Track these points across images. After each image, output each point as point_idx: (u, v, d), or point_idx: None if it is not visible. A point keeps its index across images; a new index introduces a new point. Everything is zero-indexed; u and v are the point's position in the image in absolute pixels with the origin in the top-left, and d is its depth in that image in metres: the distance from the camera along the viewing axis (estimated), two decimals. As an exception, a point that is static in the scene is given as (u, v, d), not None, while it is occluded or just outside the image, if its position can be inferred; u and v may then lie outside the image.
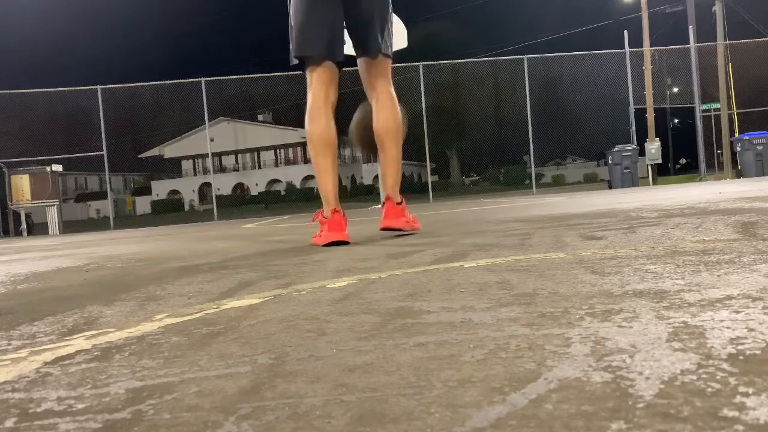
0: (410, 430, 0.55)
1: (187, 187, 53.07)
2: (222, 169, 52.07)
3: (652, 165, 15.56)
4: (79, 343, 1.05)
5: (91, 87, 14.29)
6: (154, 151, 44.98)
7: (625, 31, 15.53)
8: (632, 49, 15.64)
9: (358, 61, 3.04)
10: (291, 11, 2.90)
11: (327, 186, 2.80)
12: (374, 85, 2.99)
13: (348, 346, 0.88)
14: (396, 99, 2.99)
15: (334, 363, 0.80)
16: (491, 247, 2.15)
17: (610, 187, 14.32)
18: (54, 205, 12.52)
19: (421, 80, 14.71)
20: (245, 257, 2.55)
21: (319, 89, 2.84)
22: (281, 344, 0.93)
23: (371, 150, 3.15)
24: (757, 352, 0.70)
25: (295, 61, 2.91)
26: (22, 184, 12.22)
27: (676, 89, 18.80)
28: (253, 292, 1.51)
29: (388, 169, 2.99)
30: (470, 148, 28.12)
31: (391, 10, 3.02)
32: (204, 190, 50.63)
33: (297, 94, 15.96)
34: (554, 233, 2.50)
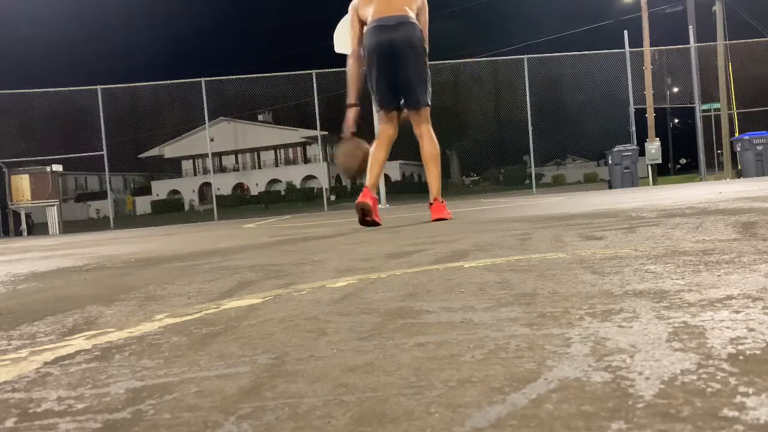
0: (410, 430, 0.55)
1: (187, 187, 53.06)
2: (222, 169, 52.08)
3: (652, 165, 15.56)
4: (79, 343, 1.05)
5: (91, 87, 14.28)
6: (154, 151, 44.99)
7: (625, 31, 15.53)
8: (632, 49, 15.63)
9: (407, 109, 4.26)
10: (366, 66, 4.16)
11: (369, 179, 4.09)
12: (420, 127, 4.27)
13: (348, 346, 0.88)
14: (434, 135, 4.30)
15: (334, 363, 0.80)
16: (491, 247, 2.15)
17: (610, 187, 14.32)
18: (54, 205, 12.52)
19: (421, 80, 14.68)
20: (245, 257, 2.55)
21: (383, 128, 4.24)
22: (281, 344, 0.93)
23: (358, 176, 4.27)
24: (757, 352, 0.70)
25: (376, 108, 4.28)
26: (22, 184, 12.22)
27: (676, 89, 18.80)
28: (253, 292, 1.51)
29: (433, 181, 4.27)
30: (470, 148, 28.12)
31: (428, 68, 4.16)
32: (204, 190, 50.62)
33: (297, 94, 15.97)
34: (554, 233, 2.50)
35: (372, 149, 4.11)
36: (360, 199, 3.94)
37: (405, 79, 4.03)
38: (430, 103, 4.18)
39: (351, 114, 4.09)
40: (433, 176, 4.24)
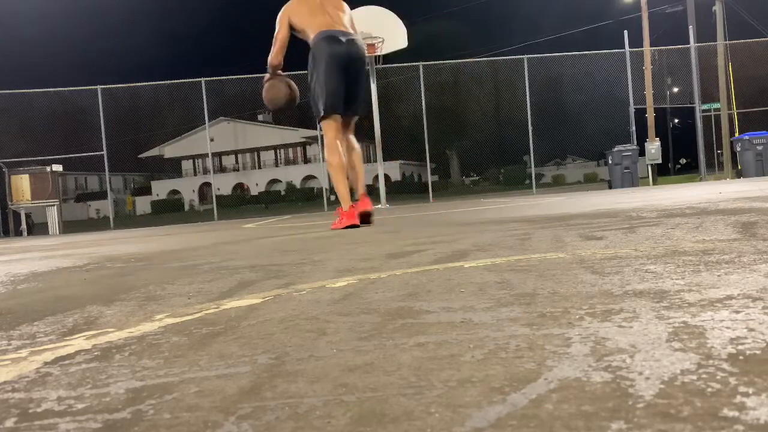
0: (410, 430, 0.55)
1: (187, 187, 53.04)
2: (222, 169, 52.07)
3: (652, 165, 15.55)
4: (79, 343, 1.05)
5: (91, 87, 14.27)
6: (154, 151, 44.99)
7: (625, 31, 15.52)
8: (632, 49, 15.62)
9: (350, 115, 4.55)
10: (315, 80, 4.38)
11: (344, 193, 4.35)
12: (350, 132, 4.60)
13: (348, 346, 0.88)
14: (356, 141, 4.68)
15: (334, 363, 0.80)
16: (491, 247, 2.15)
17: (610, 187, 14.32)
18: (54, 205, 12.52)
19: (421, 80, 14.69)
20: (245, 257, 2.55)
21: (335, 135, 4.39)
22: (281, 344, 0.93)
23: (284, 107, 4.65)
24: (757, 352, 0.70)
25: (322, 114, 4.39)
26: (22, 184, 12.22)
27: (676, 89, 18.79)
28: (253, 292, 1.51)
29: (359, 179, 4.61)
30: (470, 148, 28.12)
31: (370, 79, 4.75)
32: (204, 190, 50.60)
33: (297, 94, 15.95)
34: (554, 233, 2.50)
35: (331, 158, 4.39)
36: (362, 208, 4.35)
37: (358, 91, 4.50)
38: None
39: (277, 69, 4.57)
40: (360, 174, 4.59)
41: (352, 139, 4.61)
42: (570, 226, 2.85)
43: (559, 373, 0.68)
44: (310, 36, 4.37)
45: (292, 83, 4.62)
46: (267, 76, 4.58)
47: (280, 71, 4.60)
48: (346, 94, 4.39)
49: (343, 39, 4.33)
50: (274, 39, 4.53)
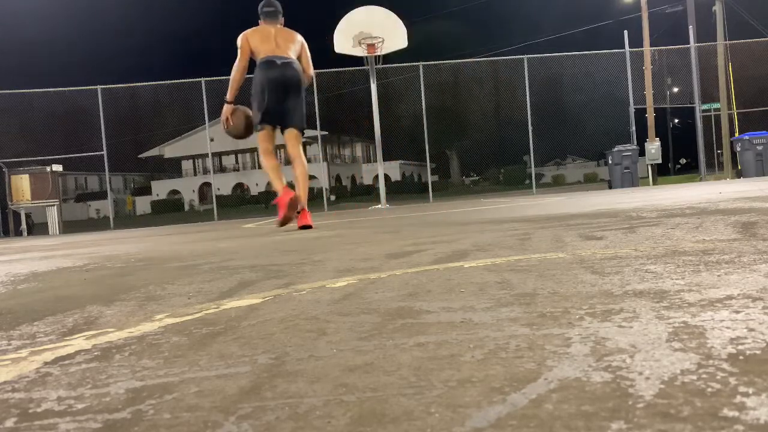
0: (410, 430, 0.55)
1: (187, 187, 53.01)
2: (222, 169, 52.04)
3: (652, 165, 15.55)
4: (79, 343, 1.05)
5: (91, 87, 14.27)
6: (154, 151, 44.94)
7: (625, 31, 15.52)
8: (632, 49, 15.62)
9: (289, 129, 5.22)
10: (252, 98, 5.18)
11: (278, 185, 5.05)
12: (297, 148, 5.26)
13: (348, 346, 0.88)
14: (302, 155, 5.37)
15: (334, 363, 0.80)
16: (491, 247, 2.15)
17: (610, 187, 14.32)
18: (54, 205, 12.52)
19: (421, 80, 14.69)
20: (245, 257, 2.55)
21: (267, 142, 5.22)
22: (281, 344, 0.93)
23: (244, 135, 5.33)
24: (757, 352, 0.70)
25: (257, 126, 5.16)
26: (22, 184, 12.22)
27: (676, 89, 18.79)
28: (253, 292, 1.51)
29: (302, 193, 5.04)
30: (470, 148, 28.10)
31: (304, 96, 5.29)
32: (204, 190, 50.58)
33: (297, 94, 15.93)
34: (554, 233, 2.50)
35: (266, 162, 5.23)
36: (303, 222, 4.86)
37: (293, 106, 5.13)
38: (305, 129, 5.38)
39: (227, 109, 5.20)
40: (303, 188, 5.14)
41: (298, 154, 5.24)
42: (570, 226, 2.85)
43: (559, 373, 0.68)
44: (257, 60, 5.17)
45: (248, 110, 5.28)
46: (225, 109, 5.21)
47: (234, 105, 5.28)
48: (281, 110, 5.08)
49: (279, 62, 5.05)
50: (234, 70, 5.20)
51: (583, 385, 0.63)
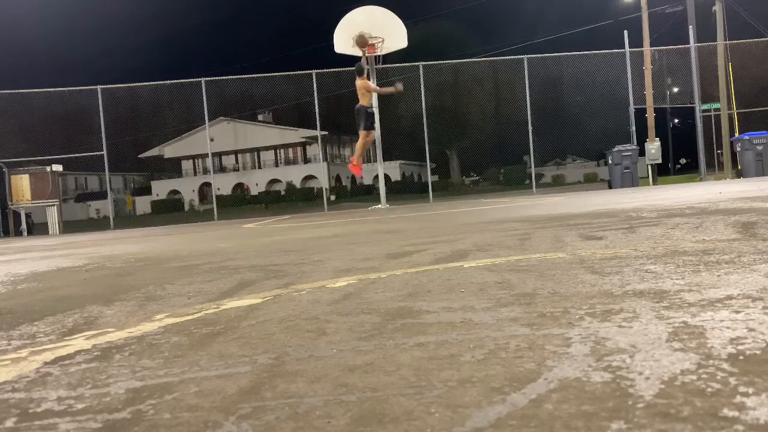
0: (410, 430, 0.55)
1: (187, 187, 53.00)
2: (222, 169, 52.03)
3: (652, 165, 15.54)
4: (79, 343, 1.05)
5: (91, 87, 14.26)
6: (154, 151, 44.96)
7: (625, 31, 15.52)
8: (632, 49, 15.61)
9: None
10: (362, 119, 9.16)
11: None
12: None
13: (348, 346, 0.88)
14: None
15: (334, 363, 0.80)
16: (491, 247, 2.15)
17: (610, 187, 14.31)
18: (54, 205, 12.51)
19: (421, 80, 14.68)
20: (245, 257, 2.55)
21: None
22: (281, 344, 0.93)
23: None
24: (757, 352, 0.70)
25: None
26: (22, 184, 12.22)
27: (676, 89, 18.78)
28: (253, 292, 1.50)
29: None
30: (470, 148, 28.08)
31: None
32: (204, 190, 50.56)
33: (297, 94, 15.96)
34: (554, 233, 2.50)
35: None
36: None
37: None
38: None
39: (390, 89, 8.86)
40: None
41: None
42: (570, 226, 2.85)
43: (559, 373, 0.68)
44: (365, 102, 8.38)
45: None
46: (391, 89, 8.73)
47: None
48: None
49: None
50: (375, 88, 8.71)
51: (583, 385, 0.63)
